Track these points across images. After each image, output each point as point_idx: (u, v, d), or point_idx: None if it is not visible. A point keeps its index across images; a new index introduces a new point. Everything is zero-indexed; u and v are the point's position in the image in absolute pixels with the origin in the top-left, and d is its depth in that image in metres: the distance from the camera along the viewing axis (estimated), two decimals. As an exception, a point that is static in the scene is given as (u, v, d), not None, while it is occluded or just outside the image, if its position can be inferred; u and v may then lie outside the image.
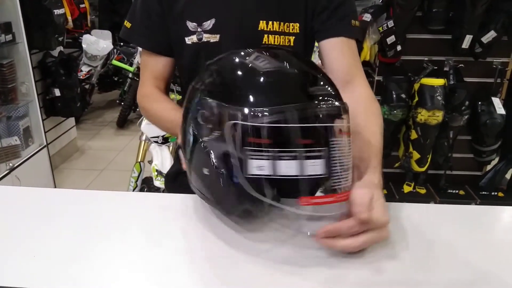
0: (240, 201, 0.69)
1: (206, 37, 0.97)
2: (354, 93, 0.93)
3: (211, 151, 0.67)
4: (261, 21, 0.97)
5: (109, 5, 5.26)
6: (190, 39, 0.98)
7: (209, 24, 0.97)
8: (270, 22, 0.97)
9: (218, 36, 0.97)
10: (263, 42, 0.98)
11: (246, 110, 0.62)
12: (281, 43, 0.98)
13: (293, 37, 0.99)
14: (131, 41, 1.09)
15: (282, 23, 0.97)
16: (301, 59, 0.74)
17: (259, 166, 0.62)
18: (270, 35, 0.97)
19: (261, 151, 0.62)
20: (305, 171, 0.63)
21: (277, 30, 0.98)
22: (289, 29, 0.98)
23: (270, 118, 0.62)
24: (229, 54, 0.75)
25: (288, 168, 0.62)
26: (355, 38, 1.02)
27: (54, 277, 0.63)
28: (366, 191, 0.67)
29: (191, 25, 0.98)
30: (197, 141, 0.69)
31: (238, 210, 0.72)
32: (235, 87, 0.68)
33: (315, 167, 0.63)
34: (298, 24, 0.98)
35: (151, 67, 1.06)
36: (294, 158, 0.62)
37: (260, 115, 0.62)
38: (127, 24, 1.05)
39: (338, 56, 0.99)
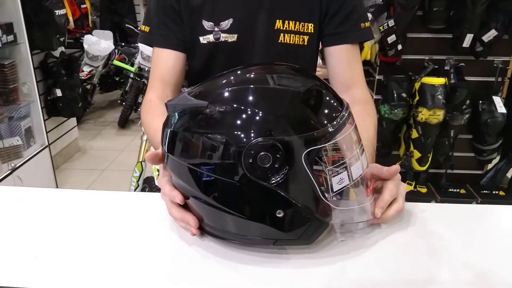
0: (320, 225, 0.67)
1: (224, 36, 0.99)
2: (354, 96, 0.99)
3: (282, 189, 0.62)
4: (277, 20, 0.99)
5: (109, 5, 5.27)
6: (206, 39, 0.99)
7: (226, 24, 0.98)
8: (286, 22, 0.99)
9: (236, 35, 0.99)
10: (279, 41, 0.99)
11: (316, 134, 0.62)
12: (296, 42, 1.01)
13: (307, 37, 1.01)
14: (150, 45, 1.05)
15: (297, 23, 0.99)
16: (307, 73, 0.75)
17: (340, 180, 0.64)
18: (286, 34, 0.99)
19: (339, 165, 0.64)
20: (364, 166, 0.68)
21: (293, 29, 0.99)
22: (304, 29, 1.00)
23: (337, 132, 0.63)
24: (239, 87, 0.68)
25: (357, 169, 0.66)
26: (365, 40, 1.07)
27: (55, 277, 0.63)
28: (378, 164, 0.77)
29: (207, 24, 0.99)
30: (258, 187, 0.62)
31: (315, 237, 0.68)
32: (288, 115, 0.64)
33: (364, 161, 0.69)
34: (312, 25, 1.00)
35: (162, 64, 1.03)
36: (357, 159, 0.67)
37: (329, 133, 0.63)
38: (145, 28, 1.04)
39: (343, 63, 1.03)
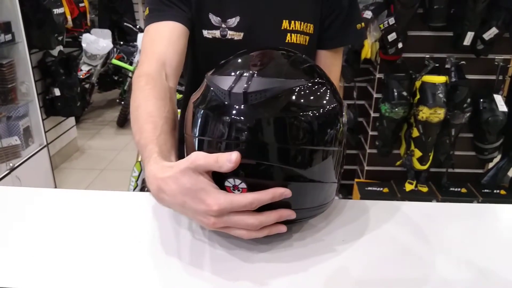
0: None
1: (230, 34, 0.97)
2: None
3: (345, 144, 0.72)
4: (284, 21, 0.98)
5: (108, 4, 5.27)
6: (211, 33, 0.97)
7: (234, 21, 0.97)
8: (293, 21, 0.99)
9: (242, 34, 0.98)
10: (286, 41, 0.99)
11: None
12: (301, 42, 1.01)
13: (308, 37, 1.01)
14: (149, 24, 0.93)
15: (302, 23, 0.99)
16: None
17: None
18: (292, 34, 0.99)
19: None
20: None
21: (298, 29, 1.00)
22: (306, 29, 1.01)
23: None
24: (312, 64, 0.73)
25: None
26: (359, 41, 1.08)
27: (53, 278, 0.63)
28: None
29: (215, 19, 0.97)
30: (345, 148, 0.71)
31: None
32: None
33: None
34: (313, 25, 1.01)
35: (162, 38, 0.89)
36: None
37: None
38: (146, 11, 0.96)
39: (327, 64, 1.06)
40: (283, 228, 0.64)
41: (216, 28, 0.97)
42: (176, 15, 0.91)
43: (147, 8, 0.96)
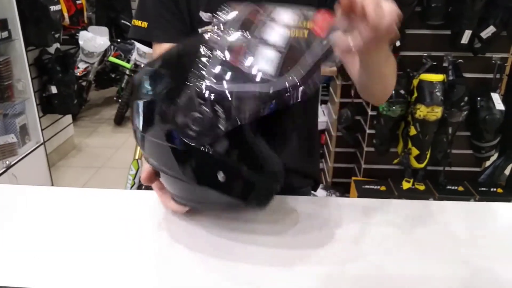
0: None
1: None
2: None
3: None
4: None
5: (105, 1, 5.25)
6: (204, 30, 0.98)
7: None
8: None
9: None
10: None
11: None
12: (297, 35, 0.99)
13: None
14: (150, 40, 1.02)
15: None
16: None
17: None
18: None
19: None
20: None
21: None
22: None
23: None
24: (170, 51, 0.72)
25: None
26: None
27: (50, 276, 0.63)
28: None
29: (205, 15, 0.97)
30: (196, 151, 0.60)
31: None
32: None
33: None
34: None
35: None
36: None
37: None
38: (142, 24, 1.00)
39: None
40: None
41: (208, 23, 0.97)
42: (170, 36, 0.97)
43: (144, 22, 0.99)
